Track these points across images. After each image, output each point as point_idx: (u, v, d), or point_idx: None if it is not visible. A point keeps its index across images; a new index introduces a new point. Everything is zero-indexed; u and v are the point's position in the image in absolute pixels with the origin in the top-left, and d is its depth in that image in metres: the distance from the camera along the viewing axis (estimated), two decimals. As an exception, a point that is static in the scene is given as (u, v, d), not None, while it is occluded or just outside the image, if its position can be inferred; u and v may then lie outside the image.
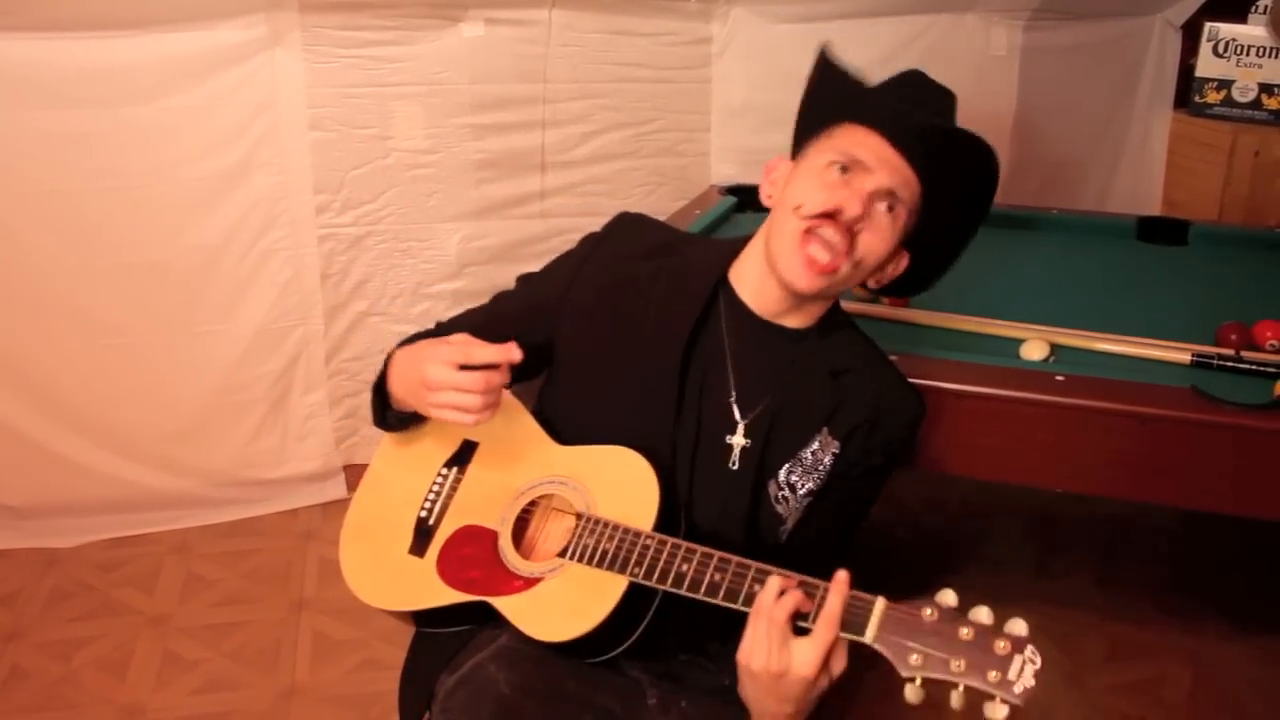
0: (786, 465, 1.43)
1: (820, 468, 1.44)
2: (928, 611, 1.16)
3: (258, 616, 2.62)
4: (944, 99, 1.46)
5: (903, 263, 1.48)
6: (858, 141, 1.40)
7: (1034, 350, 1.96)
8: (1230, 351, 1.98)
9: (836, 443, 1.44)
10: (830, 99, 1.47)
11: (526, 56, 2.93)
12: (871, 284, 1.49)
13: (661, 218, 2.46)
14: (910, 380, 1.53)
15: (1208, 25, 3.52)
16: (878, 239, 1.39)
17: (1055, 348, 1.98)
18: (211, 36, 2.64)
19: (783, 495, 1.44)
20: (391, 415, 1.53)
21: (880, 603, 1.18)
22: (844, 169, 1.38)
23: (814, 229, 1.37)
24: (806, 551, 1.48)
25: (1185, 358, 1.97)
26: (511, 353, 1.34)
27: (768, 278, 1.44)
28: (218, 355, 2.89)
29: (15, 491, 2.84)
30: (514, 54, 2.92)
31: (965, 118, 1.47)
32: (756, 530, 1.44)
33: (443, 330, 1.63)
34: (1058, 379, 1.81)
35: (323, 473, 3.07)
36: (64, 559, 2.83)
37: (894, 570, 2.77)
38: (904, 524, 3.01)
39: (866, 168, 1.37)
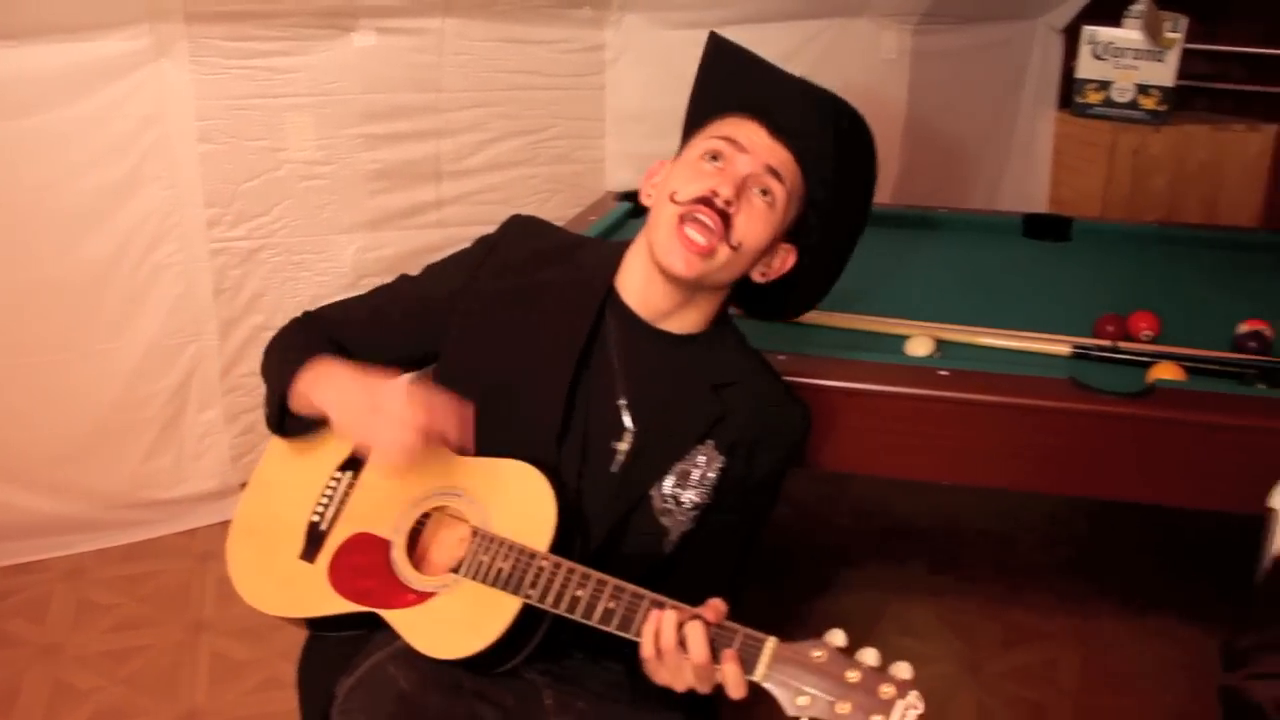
0: (671, 478, 1.44)
1: (706, 482, 1.45)
2: (817, 653, 1.17)
3: (155, 641, 2.55)
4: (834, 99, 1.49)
5: (790, 259, 1.49)
6: (731, 128, 1.44)
7: (919, 346, 2.00)
8: (1107, 343, 2.05)
9: (721, 457, 1.45)
10: (707, 95, 1.55)
11: (419, 66, 2.92)
12: (758, 276, 1.48)
13: (558, 225, 2.47)
14: (799, 380, 1.55)
15: (1085, 29, 3.65)
16: (756, 222, 1.41)
17: (941, 344, 2.03)
18: (94, 48, 2.57)
19: (666, 507, 1.44)
20: (292, 421, 1.51)
21: (770, 642, 1.19)
22: (715, 157, 1.42)
23: (689, 214, 1.38)
24: (699, 564, 1.49)
25: (1066, 350, 2.03)
26: (467, 439, 1.40)
27: (652, 276, 1.45)
28: (109, 374, 2.81)
29: (-105, 521, 2.73)
30: (407, 63, 2.90)
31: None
32: (640, 538, 1.44)
33: (316, 320, 1.66)
34: (941, 374, 1.86)
35: (220, 491, 3.00)
36: (-52, 590, 2.74)
37: (793, 569, 2.81)
38: (802, 522, 3.05)
39: (740, 148, 1.42)
